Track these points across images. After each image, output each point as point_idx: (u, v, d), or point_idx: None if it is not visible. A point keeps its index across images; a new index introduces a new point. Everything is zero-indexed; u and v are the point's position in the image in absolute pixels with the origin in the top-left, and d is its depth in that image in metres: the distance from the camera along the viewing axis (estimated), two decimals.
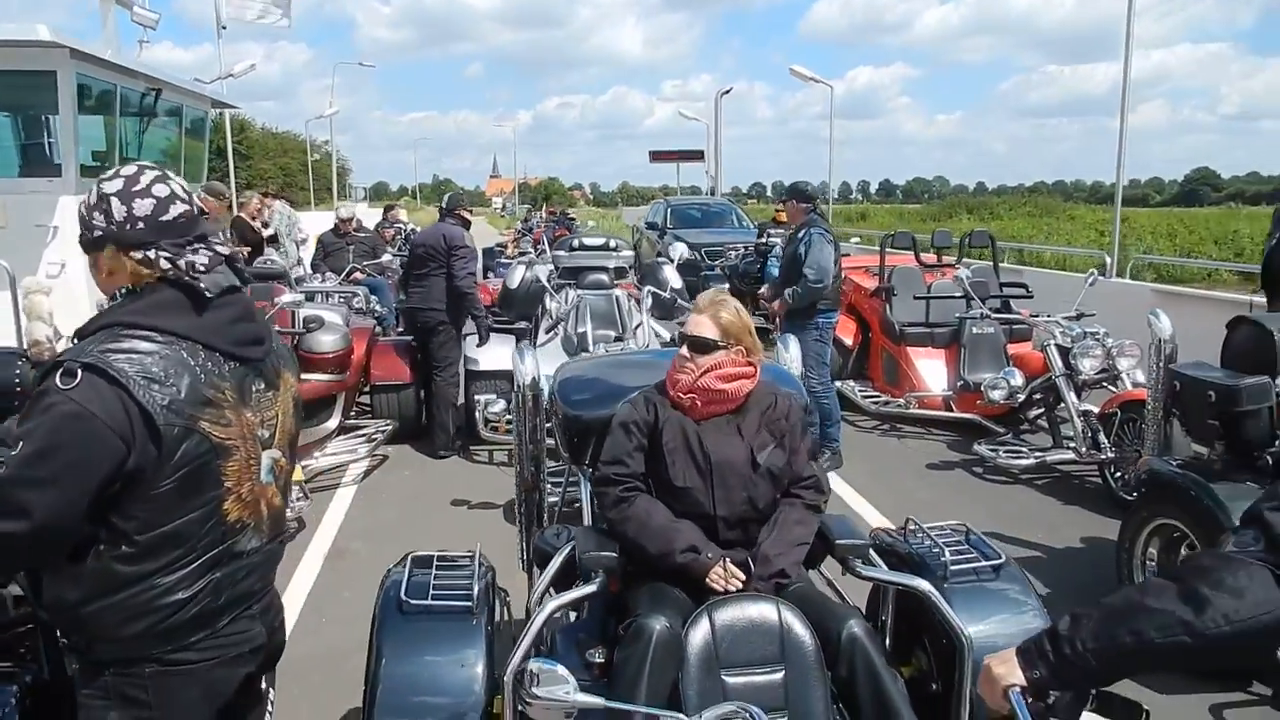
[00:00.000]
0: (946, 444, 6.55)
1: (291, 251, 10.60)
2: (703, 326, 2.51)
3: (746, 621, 2.24)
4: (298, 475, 4.79)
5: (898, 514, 5.26)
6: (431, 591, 2.44)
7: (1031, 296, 7.54)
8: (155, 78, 11.79)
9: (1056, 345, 5.80)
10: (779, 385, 2.74)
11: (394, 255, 10.06)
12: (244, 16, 17.08)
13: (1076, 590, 4.14)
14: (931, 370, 7.00)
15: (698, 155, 24.42)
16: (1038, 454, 5.71)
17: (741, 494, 2.42)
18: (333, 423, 6.03)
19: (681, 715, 1.77)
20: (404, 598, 2.41)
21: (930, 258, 7.98)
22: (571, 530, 2.68)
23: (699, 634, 2.22)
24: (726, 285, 9.38)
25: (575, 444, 2.90)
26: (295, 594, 4.21)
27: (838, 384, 7.42)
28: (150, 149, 13.38)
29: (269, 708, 2.03)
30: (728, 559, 2.35)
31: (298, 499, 4.74)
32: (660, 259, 7.31)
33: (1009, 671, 1.47)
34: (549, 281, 6.81)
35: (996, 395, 5.82)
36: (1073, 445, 5.56)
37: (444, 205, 6.76)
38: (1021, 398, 5.89)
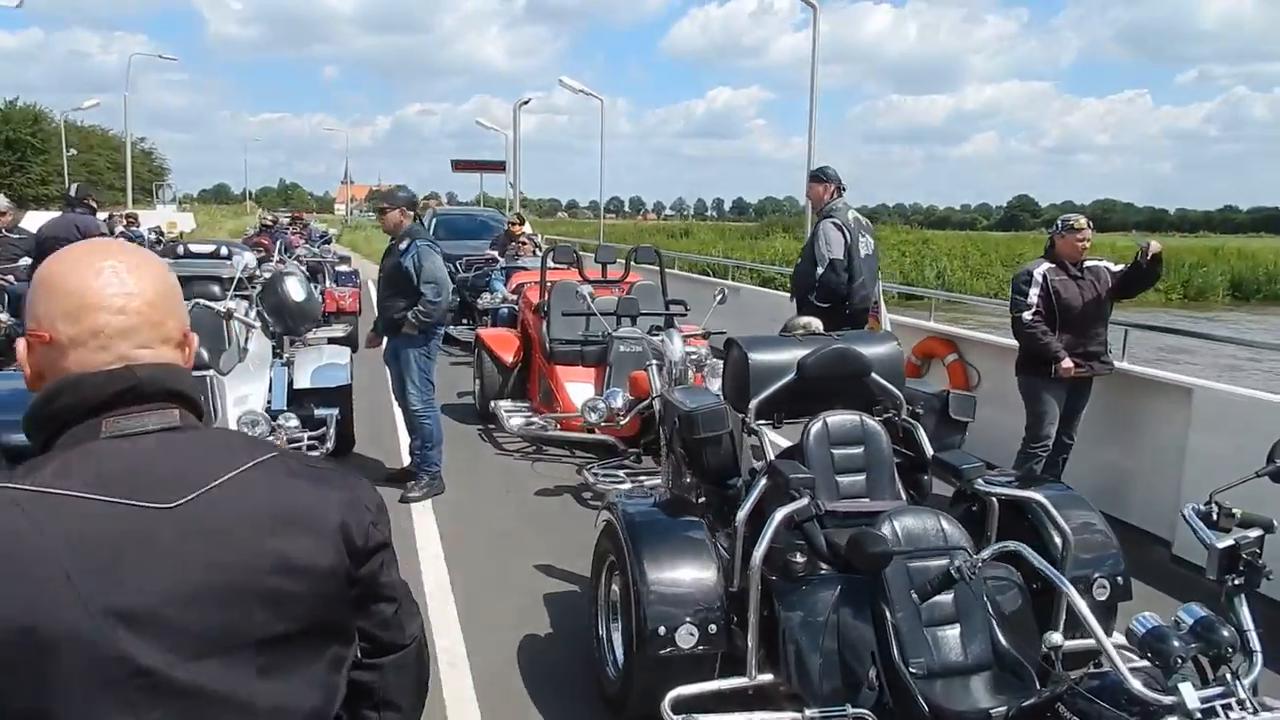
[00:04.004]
0: (578, 467, 6.29)
1: None
2: None
3: None
4: None
5: (460, 546, 4.92)
6: None
7: (687, 313, 7.43)
8: None
9: (657, 365, 5.62)
10: None
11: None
12: None
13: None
14: (578, 390, 6.73)
15: (499, 166, 23.97)
16: (636, 479, 5.50)
17: None
18: None
19: None
20: None
21: (594, 273, 7.78)
22: None
23: None
24: (457, 299, 9.09)
25: None
26: None
27: (493, 403, 7.10)
28: None
29: None
30: None
31: None
32: (284, 270, 6.78)
33: None
34: None
35: (593, 418, 5.59)
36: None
37: (73, 195, 7.15)
38: (624, 420, 5.67)
